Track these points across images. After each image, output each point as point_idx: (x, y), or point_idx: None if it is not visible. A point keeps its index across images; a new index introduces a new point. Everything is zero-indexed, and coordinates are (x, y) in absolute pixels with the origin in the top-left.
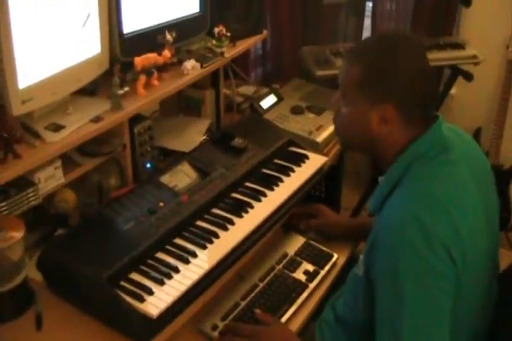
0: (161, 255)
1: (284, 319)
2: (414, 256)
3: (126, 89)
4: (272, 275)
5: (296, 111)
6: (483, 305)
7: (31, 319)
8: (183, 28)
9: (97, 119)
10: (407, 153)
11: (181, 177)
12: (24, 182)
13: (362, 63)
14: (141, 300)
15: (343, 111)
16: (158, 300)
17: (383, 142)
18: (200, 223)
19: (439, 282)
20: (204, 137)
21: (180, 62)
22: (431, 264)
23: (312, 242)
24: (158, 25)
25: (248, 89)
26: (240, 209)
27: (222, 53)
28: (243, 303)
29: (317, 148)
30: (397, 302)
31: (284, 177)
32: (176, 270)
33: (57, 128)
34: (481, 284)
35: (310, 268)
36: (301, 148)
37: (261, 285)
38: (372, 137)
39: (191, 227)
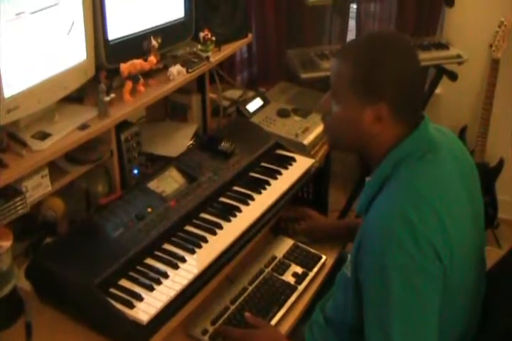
0: (150, 261)
1: (273, 321)
2: (402, 254)
3: (113, 95)
4: (260, 278)
5: (283, 114)
6: (472, 303)
7: (21, 329)
8: (168, 33)
9: (83, 127)
10: (394, 153)
11: (169, 183)
12: (11, 192)
13: (353, 62)
14: (131, 306)
15: (333, 111)
16: (148, 306)
17: (372, 141)
18: (188, 228)
19: (426, 280)
20: (191, 142)
21: (166, 67)
22: (418, 263)
23: (300, 244)
24: (144, 31)
25: (234, 93)
26: (228, 213)
27: (207, 58)
28: (233, 307)
29: (304, 150)
30: (385, 301)
31: (271, 181)
32: (165, 275)
33: (43, 136)
34: (469, 281)
35: (299, 270)
36: (288, 150)
37: (250, 288)
38: (362, 136)
39: (180, 232)
